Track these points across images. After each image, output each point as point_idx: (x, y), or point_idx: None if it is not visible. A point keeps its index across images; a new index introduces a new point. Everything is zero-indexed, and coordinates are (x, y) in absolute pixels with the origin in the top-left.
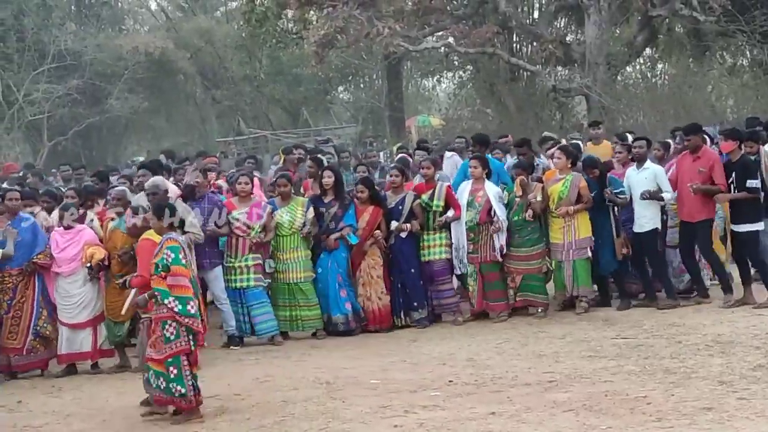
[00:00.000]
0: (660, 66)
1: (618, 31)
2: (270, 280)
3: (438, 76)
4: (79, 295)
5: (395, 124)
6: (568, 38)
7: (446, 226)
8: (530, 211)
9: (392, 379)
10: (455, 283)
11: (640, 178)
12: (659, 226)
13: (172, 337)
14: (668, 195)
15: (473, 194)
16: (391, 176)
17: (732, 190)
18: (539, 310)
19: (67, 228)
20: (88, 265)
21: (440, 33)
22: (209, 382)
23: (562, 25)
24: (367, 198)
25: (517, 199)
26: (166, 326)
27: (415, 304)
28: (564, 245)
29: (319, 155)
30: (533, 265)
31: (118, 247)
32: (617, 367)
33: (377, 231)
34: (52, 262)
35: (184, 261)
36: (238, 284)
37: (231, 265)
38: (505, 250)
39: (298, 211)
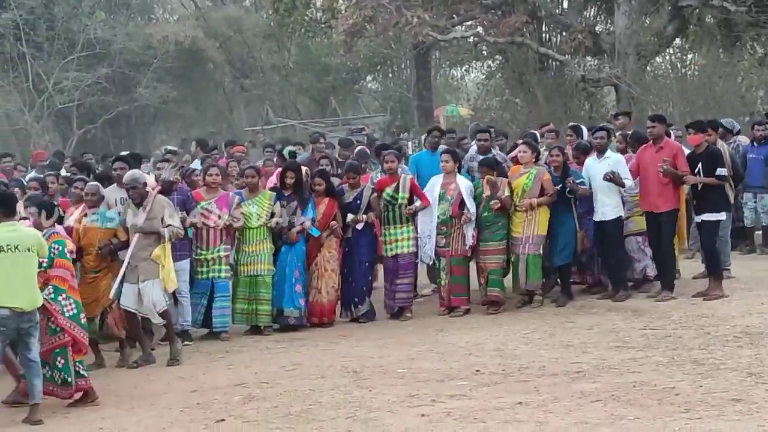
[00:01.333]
0: (690, 56)
1: (648, 21)
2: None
3: (467, 66)
4: None
5: (424, 114)
6: (597, 28)
7: (413, 218)
8: (494, 202)
9: (419, 369)
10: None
11: (601, 167)
12: (623, 214)
13: (58, 329)
14: (629, 182)
15: (445, 188)
16: (347, 176)
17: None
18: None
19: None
20: None
21: (469, 22)
22: (237, 370)
23: (591, 15)
24: (323, 191)
25: (484, 195)
26: (52, 318)
27: (356, 299)
28: (522, 239)
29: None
30: (499, 259)
31: (94, 242)
32: (645, 358)
33: (333, 222)
34: None
35: (68, 255)
36: (210, 275)
37: (202, 257)
38: (473, 242)
39: (264, 204)
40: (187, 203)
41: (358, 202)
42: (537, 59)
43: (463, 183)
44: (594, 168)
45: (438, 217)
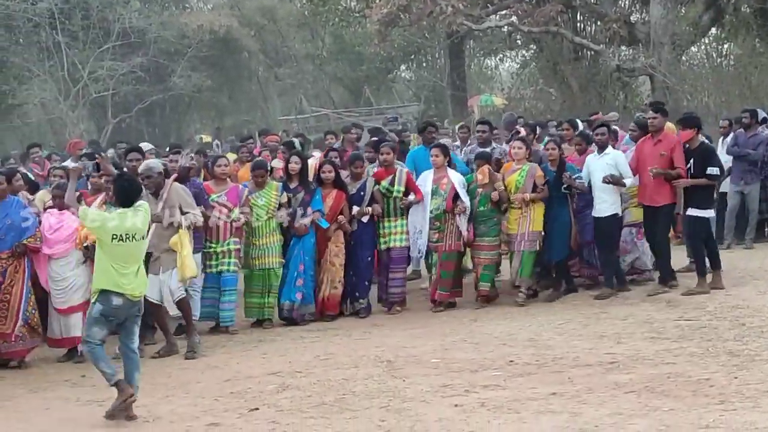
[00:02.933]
0: (726, 46)
1: (683, 11)
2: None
3: (501, 55)
4: (72, 278)
5: (457, 103)
6: (632, 17)
7: (406, 212)
8: (496, 193)
9: (453, 359)
10: (408, 270)
11: (602, 163)
12: (619, 211)
13: None
14: (629, 180)
15: (437, 182)
16: (355, 167)
17: (689, 176)
18: (476, 300)
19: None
20: (85, 245)
21: (503, 12)
22: (270, 359)
23: (626, 5)
24: (332, 180)
25: (480, 189)
26: None
27: (357, 294)
28: (518, 236)
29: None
30: (494, 255)
31: None
32: (680, 349)
33: (340, 216)
34: (42, 246)
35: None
36: (219, 268)
37: (212, 250)
38: (469, 236)
39: (272, 195)
40: (200, 197)
41: (362, 193)
42: (571, 49)
43: (456, 177)
44: (594, 164)
45: (431, 211)
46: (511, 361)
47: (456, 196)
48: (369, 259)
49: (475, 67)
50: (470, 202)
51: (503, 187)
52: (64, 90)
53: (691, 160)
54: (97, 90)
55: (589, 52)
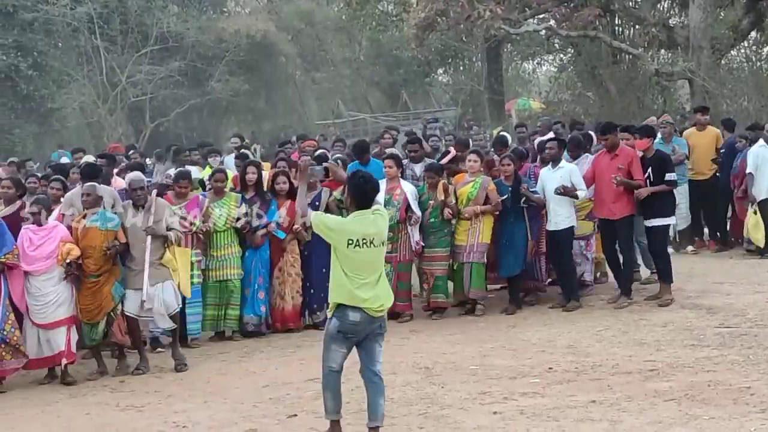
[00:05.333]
0: (766, 50)
1: (723, 14)
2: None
3: (538, 59)
4: (54, 293)
5: (495, 108)
6: (671, 21)
7: None
8: (448, 211)
9: (492, 365)
10: None
11: (555, 176)
12: (575, 224)
13: None
14: (582, 193)
15: (390, 193)
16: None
17: (648, 185)
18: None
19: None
20: (67, 261)
21: (541, 15)
22: (308, 364)
23: (665, 8)
24: (286, 191)
25: (432, 201)
26: None
27: (315, 306)
28: (466, 247)
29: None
30: (444, 266)
31: (94, 245)
32: (720, 357)
33: (297, 225)
34: (20, 263)
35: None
36: None
37: None
38: (421, 245)
39: (231, 206)
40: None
41: (317, 203)
42: (610, 53)
43: (408, 188)
44: (548, 178)
45: None
46: (550, 368)
47: (408, 207)
48: (324, 270)
49: (512, 70)
50: (422, 213)
51: (454, 202)
52: (102, 94)
53: (649, 169)
54: (135, 94)
55: (627, 56)
